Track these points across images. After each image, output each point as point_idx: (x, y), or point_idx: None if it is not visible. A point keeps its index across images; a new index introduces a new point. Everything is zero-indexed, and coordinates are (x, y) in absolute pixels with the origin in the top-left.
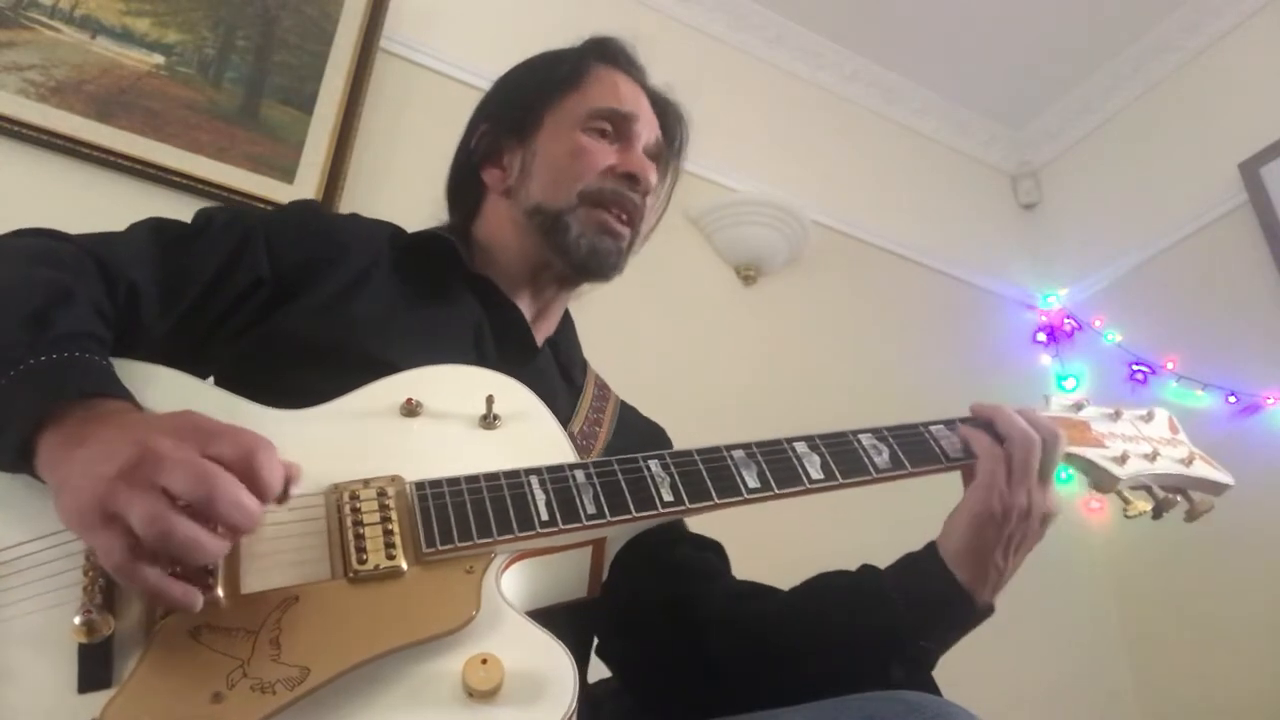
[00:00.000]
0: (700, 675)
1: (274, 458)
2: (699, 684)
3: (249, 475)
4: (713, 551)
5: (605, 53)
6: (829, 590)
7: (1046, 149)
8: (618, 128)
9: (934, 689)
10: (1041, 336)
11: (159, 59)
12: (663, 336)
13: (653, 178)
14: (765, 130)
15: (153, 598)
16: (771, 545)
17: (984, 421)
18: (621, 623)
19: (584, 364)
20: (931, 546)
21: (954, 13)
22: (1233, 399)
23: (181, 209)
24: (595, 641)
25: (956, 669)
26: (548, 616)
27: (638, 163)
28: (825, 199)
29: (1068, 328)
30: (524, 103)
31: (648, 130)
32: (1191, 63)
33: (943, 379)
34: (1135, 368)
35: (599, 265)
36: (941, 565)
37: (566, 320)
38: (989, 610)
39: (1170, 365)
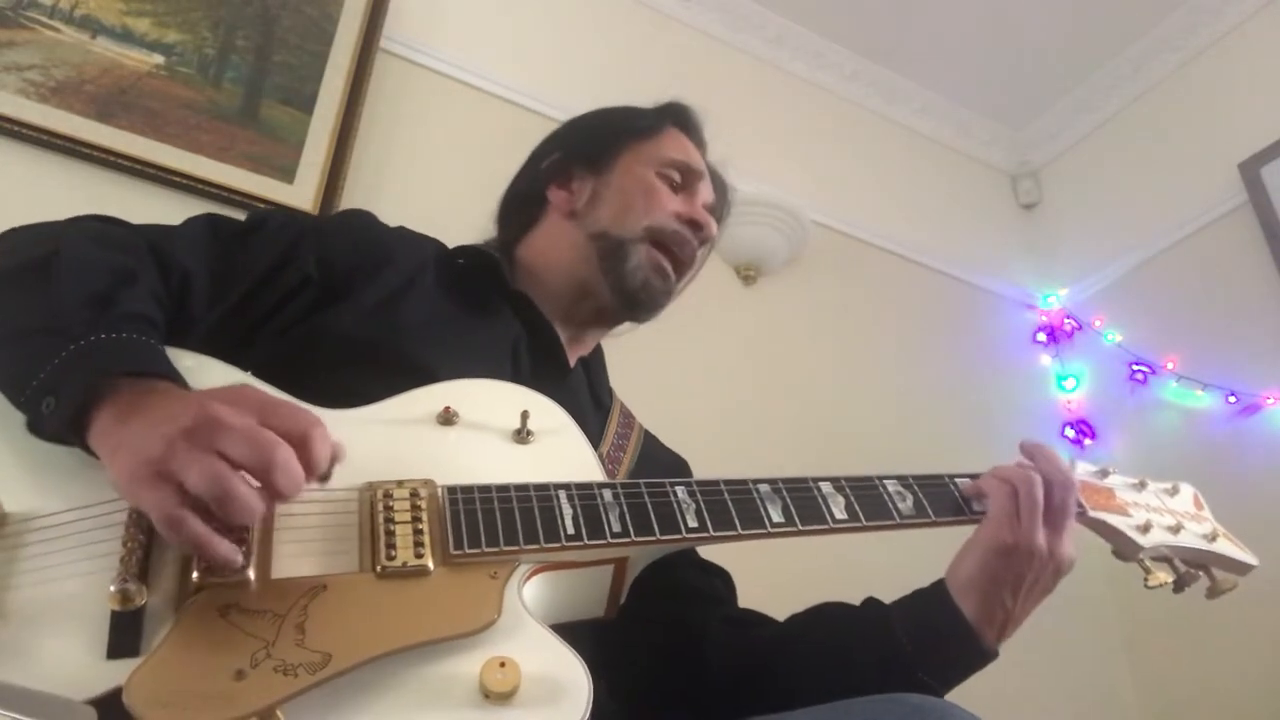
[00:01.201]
0: (695, 697)
1: (326, 435)
2: (693, 706)
3: (301, 448)
4: (719, 578)
5: (680, 118)
6: (829, 619)
7: (1046, 149)
8: (686, 180)
9: None
10: (1041, 336)
11: (159, 59)
12: (662, 336)
13: (714, 229)
14: (765, 130)
15: (199, 550)
16: (788, 578)
17: (994, 474)
18: (620, 641)
19: (611, 392)
20: (939, 582)
21: (954, 13)
22: (1233, 399)
23: (181, 209)
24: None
25: None
26: (563, 632)
27: (703, 214)
28: (825, 199)
29: (1068, 328)
30: (601, 138)
31: (708, 192)
32: (1191, 63)
33: (943, 379)
34: (1135, 368)
35: (646, 300)
36: (947, 597)
37: (598, 350)
38: (993, 654)
39: (1170, 365)
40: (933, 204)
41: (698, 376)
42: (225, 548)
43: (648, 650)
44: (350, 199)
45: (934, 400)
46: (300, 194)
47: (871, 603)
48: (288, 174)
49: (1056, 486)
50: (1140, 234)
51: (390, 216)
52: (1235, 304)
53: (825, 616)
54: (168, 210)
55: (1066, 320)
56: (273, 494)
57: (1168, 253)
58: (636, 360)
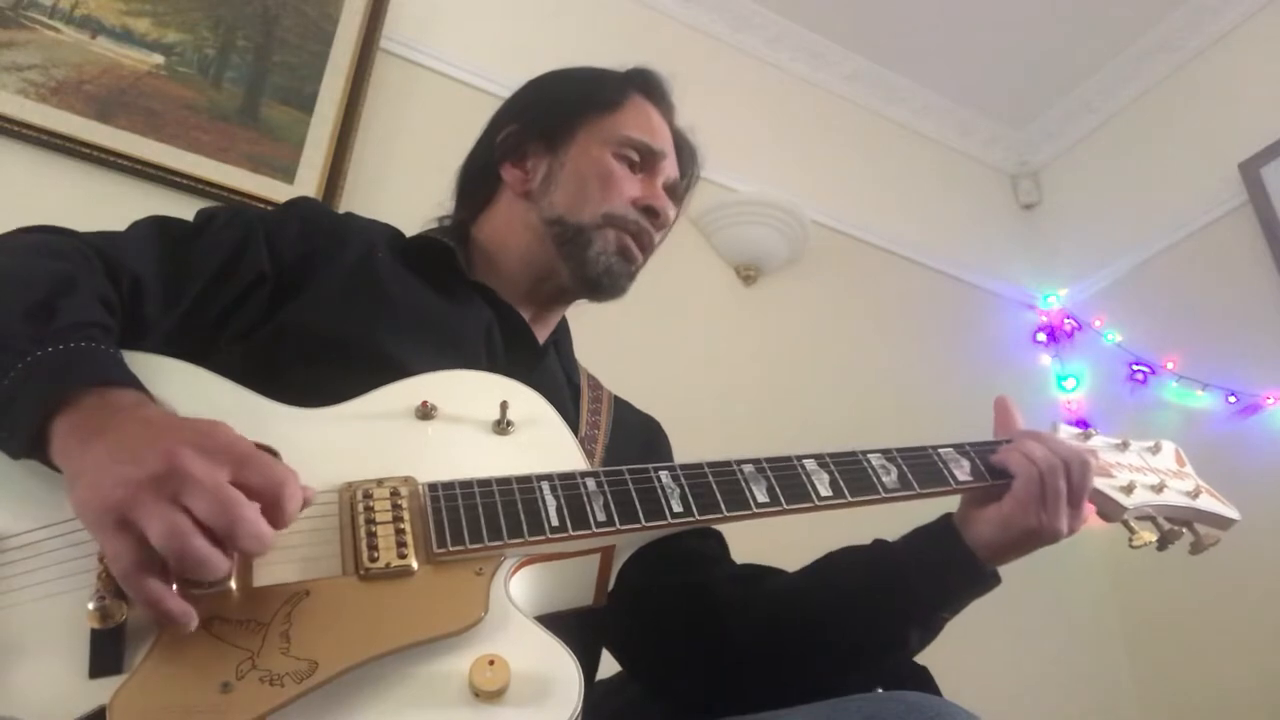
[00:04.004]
0: (718, 661)
1: (298, 492)
2: (717, 671)
3: (273, 506)
4: (714, 539)
5: (646, 85)
6: (844, 563)
7: (1046, 149)
8: (645, 161)
9: (929, 680)
10: (1041, 336)
11: (159, 59)
12: (663, 336)
13: (672, 214)
14: (765, 130)
15: (150, 608)
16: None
17: (1018, 448)
18: (634, 616)
19: (576, 363)
20: (946, 521)
21: (954, 13)
22: (1233, 399)
23: (181, 209)
24: (602, 644)
25: (956, 662)
26: (553, 621)
27: (661, 199)
28: (825, 199)
29: (1068, 328)
30: (558, 112)
31: (670, 169)
32: (1191, 63)
33: (943, 379)
34: (1135, 368)
35: (610, 285)
36: (959, 540)
37: (563, 323)
38: (998, 579)
39: (1170, 365)
40: (933, 204)
41: (698, 376)
42: (177, 608)
43: (663, 625)
44: (350, 199)
45: (934, 400)
46: (300, 194)
47: (885, 549)
48: (288, 174)
49: (1075, 469)
50: (1140, 234)
51: (390, 216)
52: (1235, 304)
53: (838, 561)
54: (168, 211)
55: (1066, 320)
56: (237, 552)
57: (1168, 253)
58: (636, 359)
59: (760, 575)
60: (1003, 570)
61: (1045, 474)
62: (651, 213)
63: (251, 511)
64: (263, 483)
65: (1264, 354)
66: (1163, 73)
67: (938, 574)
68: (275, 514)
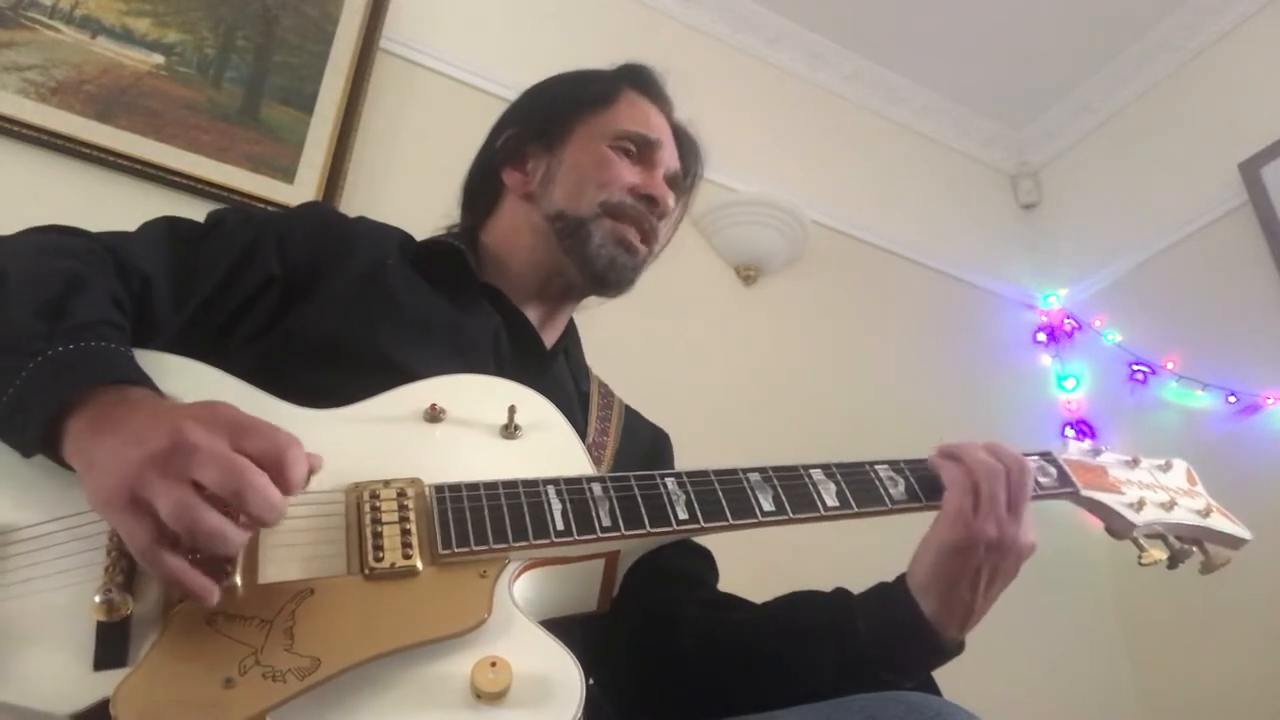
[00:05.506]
0: (671, 679)
1: (302, 456)
2: (669, 688)
3: (277, 472)
4: (700, 558)
5: (639, 80)
6: (796, 610)
7: (1046, 149)
8: (642, 151)
9: (930, 681)
10: (1041, 336)
11: (159, 59)
12: (663, 336)
13: (671, 203)
14: (765, 130)
15: (172, 584)
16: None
17: (950, 456)
18: (601, 631)
19: (587, 370)
20: (901, 578)
21: (954, 13)
22: (1233, 399)
23: (181, 209)
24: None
25: (956, 663)
26: (556, 625)
27: (659, 187)
28: (825, 199)
29: (1068, 328)
30: (554, 112)
31: (669, 159)
32: (1191, 63)
33: (943, 379)
34: (1135, 368)
35: (615, 279)
36: (907, 595)
37: (571, 328)
38: (958, 648)
39: (1170, 365)
40: (933, 204)
41: (698, 376)
42: (198, 582)
43: (626, 638)
44: (350, 199)
45: (934, 400)
46: (300, 194)
47: (839, 596)
48: (288, 174)
49: (1013, 474)
50: (1140, 234)
51: (391, 216)
52: (1235, 304)
53: (792, 607)
54: (168, 211)
55: (1066, 320)
56: (251, 521)
57: (1168, 253)
58: (636, 359)
59: (728, 604)
60: None
61: (980, 480)
62: (650, 201)
63: (258, 476)
64: (265, 448)
65: (1264, 354)
66: (1163, 73)
67: (886, 638)
68: (280, 478)
